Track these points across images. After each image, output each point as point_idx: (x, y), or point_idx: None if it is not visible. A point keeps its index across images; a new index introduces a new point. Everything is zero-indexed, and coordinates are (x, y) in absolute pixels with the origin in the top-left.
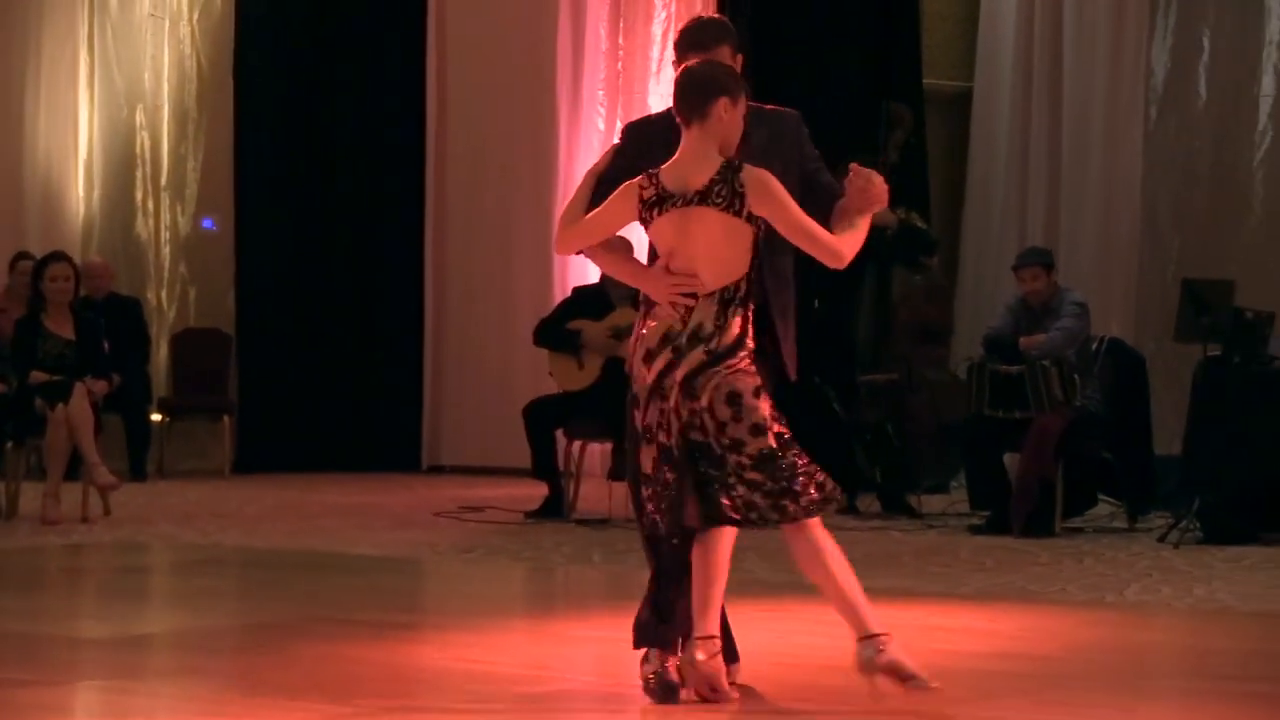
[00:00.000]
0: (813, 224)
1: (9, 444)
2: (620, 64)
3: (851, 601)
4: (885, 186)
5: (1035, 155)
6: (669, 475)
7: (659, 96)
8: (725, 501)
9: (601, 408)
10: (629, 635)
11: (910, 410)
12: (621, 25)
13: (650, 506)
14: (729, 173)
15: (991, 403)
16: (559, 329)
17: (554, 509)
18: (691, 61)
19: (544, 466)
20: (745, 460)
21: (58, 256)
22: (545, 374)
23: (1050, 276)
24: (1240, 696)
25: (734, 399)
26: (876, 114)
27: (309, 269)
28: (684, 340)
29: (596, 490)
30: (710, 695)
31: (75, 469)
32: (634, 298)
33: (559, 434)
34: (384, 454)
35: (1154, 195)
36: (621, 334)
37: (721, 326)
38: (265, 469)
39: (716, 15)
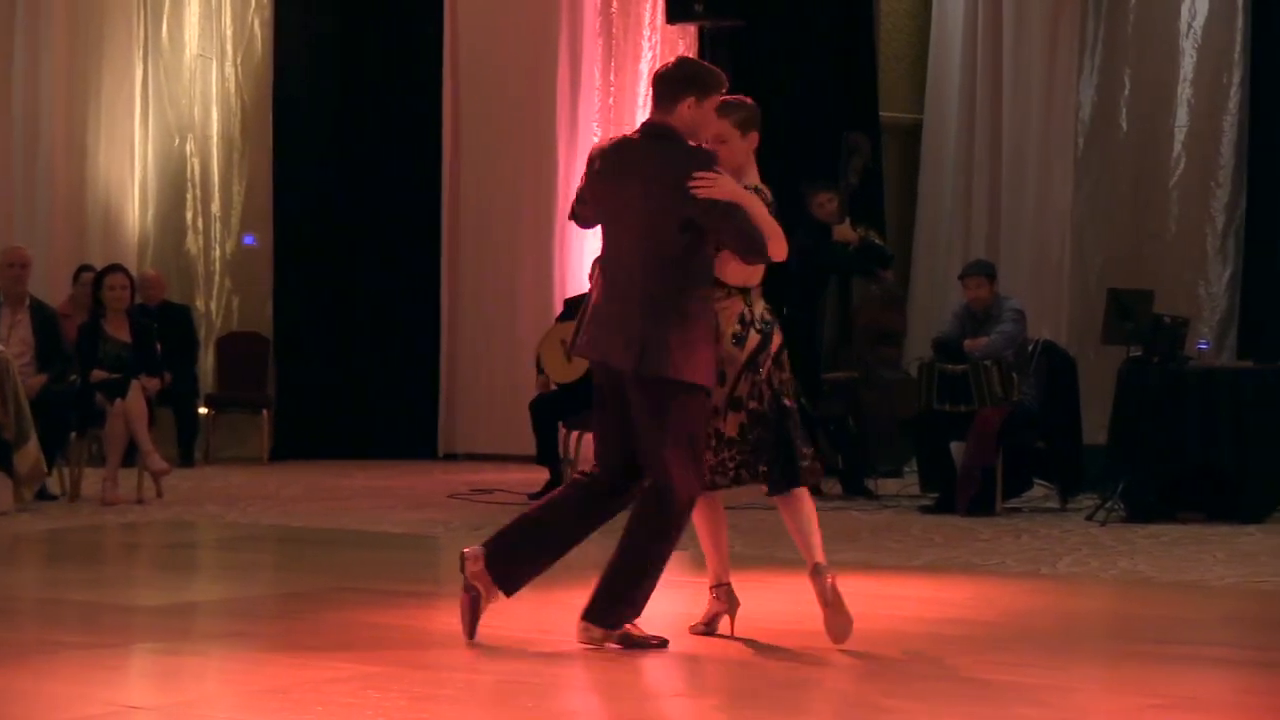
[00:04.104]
0: None
1: (73, 434)
2: (612, 99)
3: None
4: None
5: (978, 180)
6: (761, 434)
7: None
8: (800, 458)
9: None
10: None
11: (868, 404)
12: (613, 64)
13: (733, 464)
14: (764, 185)
15: (939, 398)
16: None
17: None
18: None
19: (546, 454)
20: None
21: (116, 268)
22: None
23: (992, 286)
24: (1160, 658)
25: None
26: (838, 143)
27: (338, 280)
28: (760, 322)
29: None
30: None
31: (131, 456)
32: None
33: (560, 426)
34: (404, 443)
35: (1082, 215)
36: None
37: (770, 313)
38: (299, 456)
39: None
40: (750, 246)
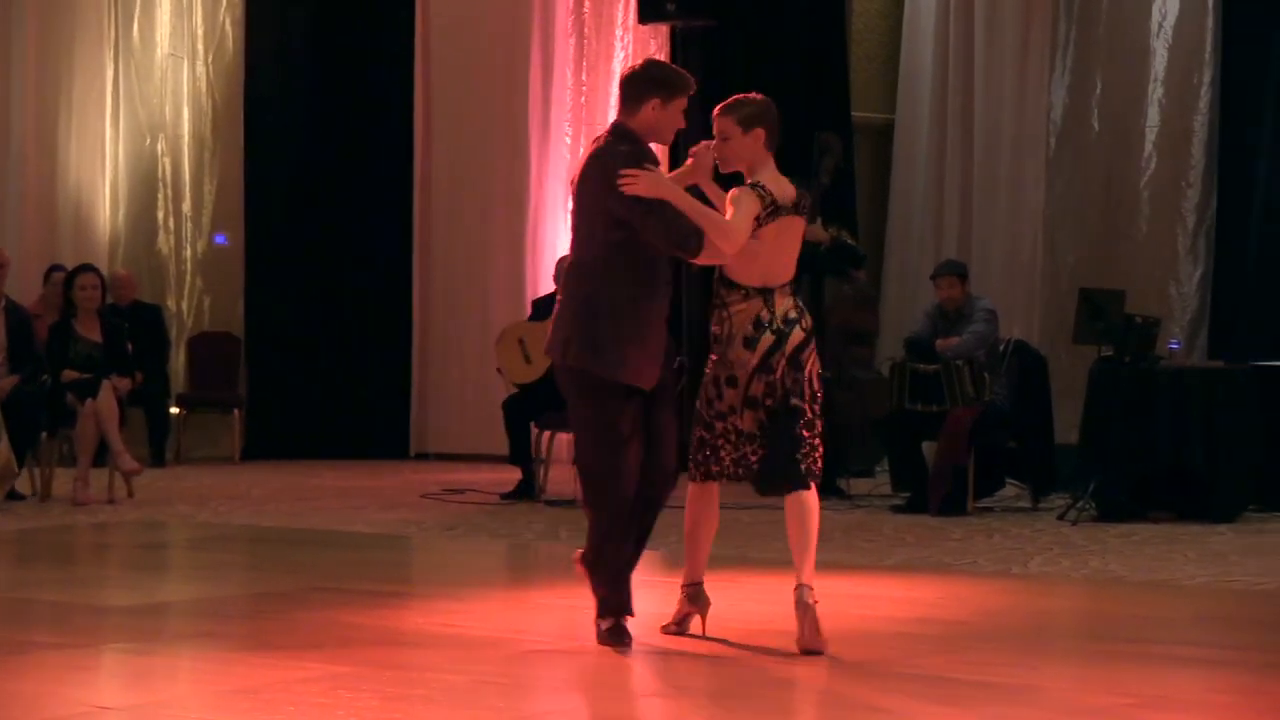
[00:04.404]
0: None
1: (44, 434)
2: (584, 98)
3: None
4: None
5: (950, 180)
6: (779, 427)
7: None
8: (802, 459)
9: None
10: (593, 604)
11: (840, 404)
12: (585, 64)
13: (754, 458)
14: (800, 186)
15: (911, 398)
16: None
17: (527, 491)
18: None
19: (519, 454)
20: (820, 425)
21: (87, 268)
22: None
23: (964, 285)
24: (1131, 657)
25: (820, 376)
26: (810, 143)
27: (310, 280)
28: (779, 324)
29: (564, 474)
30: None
31: (102, 456)
32: None
33: (532, 425)
34: (376, 442)
35: (1054, 215)
36: None
37: (802, 311)
38: (270, 456)
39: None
40: (676, 243)
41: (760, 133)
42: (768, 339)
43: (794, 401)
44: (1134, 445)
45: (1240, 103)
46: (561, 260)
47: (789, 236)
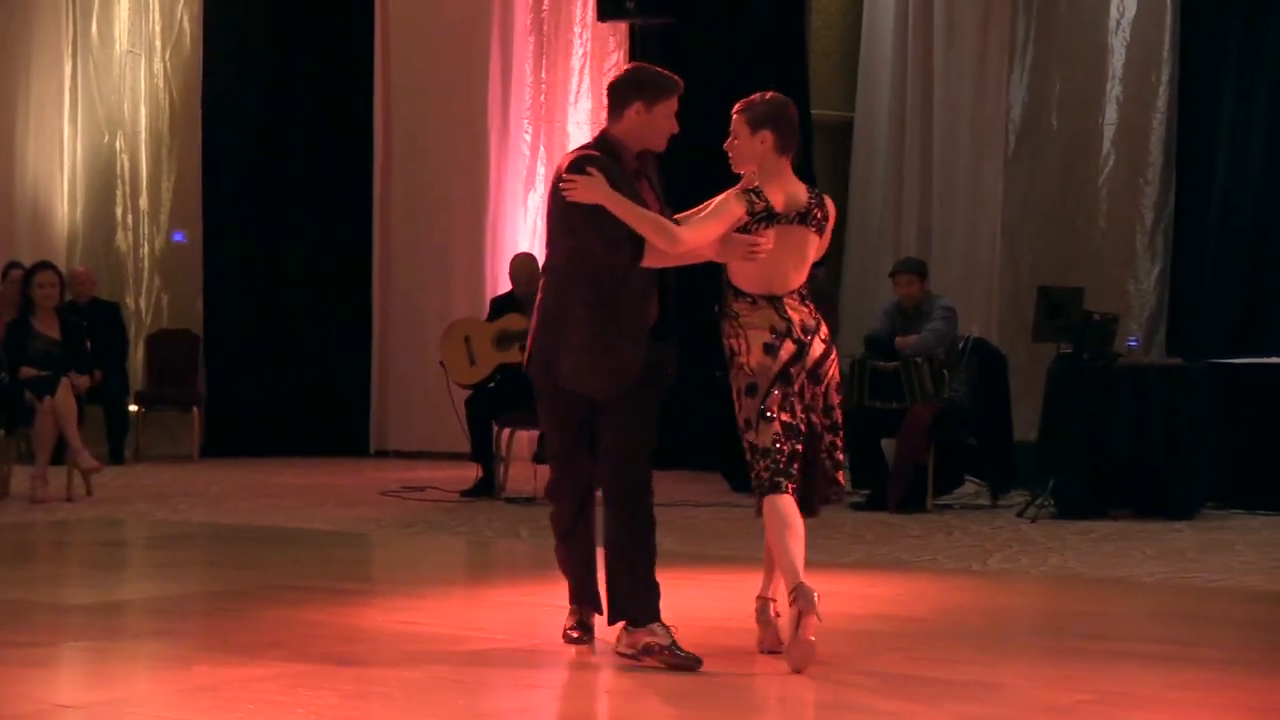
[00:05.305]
0: None
1: (2, 432)
2: (543, 95)
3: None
4: None
5: (909, 177)
6: (796, 446)
7: (575, 124)
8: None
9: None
10: (553, 600)
11: None
12: (544, 62)
13: (767, 474)
14: (817, 198)
15: (871, 394)
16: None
17: (487, 489)
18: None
19: (480, 451)
20: (838, 442)
21: (45, 265)
22: None
23: (923, 283)
24: (1090, 653)
25: (840, 388)
26: None
27: (269, 277)
28: (797, 333)
29: (523, 472)
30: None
31: (61, 454)
32: (531, 305)
33: (493, 423)
34: (335, 440)
35: (1013, 212)
36: (507, 339)
37: (819, 320)
38: (230, 454)
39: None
40: (608, 248)
41: (768, 135)
42: (789, 347)
43: (814, 418)
44: (1093, 442)
45: (1198, 100)
46: (516, 258)
47: (790, 246)
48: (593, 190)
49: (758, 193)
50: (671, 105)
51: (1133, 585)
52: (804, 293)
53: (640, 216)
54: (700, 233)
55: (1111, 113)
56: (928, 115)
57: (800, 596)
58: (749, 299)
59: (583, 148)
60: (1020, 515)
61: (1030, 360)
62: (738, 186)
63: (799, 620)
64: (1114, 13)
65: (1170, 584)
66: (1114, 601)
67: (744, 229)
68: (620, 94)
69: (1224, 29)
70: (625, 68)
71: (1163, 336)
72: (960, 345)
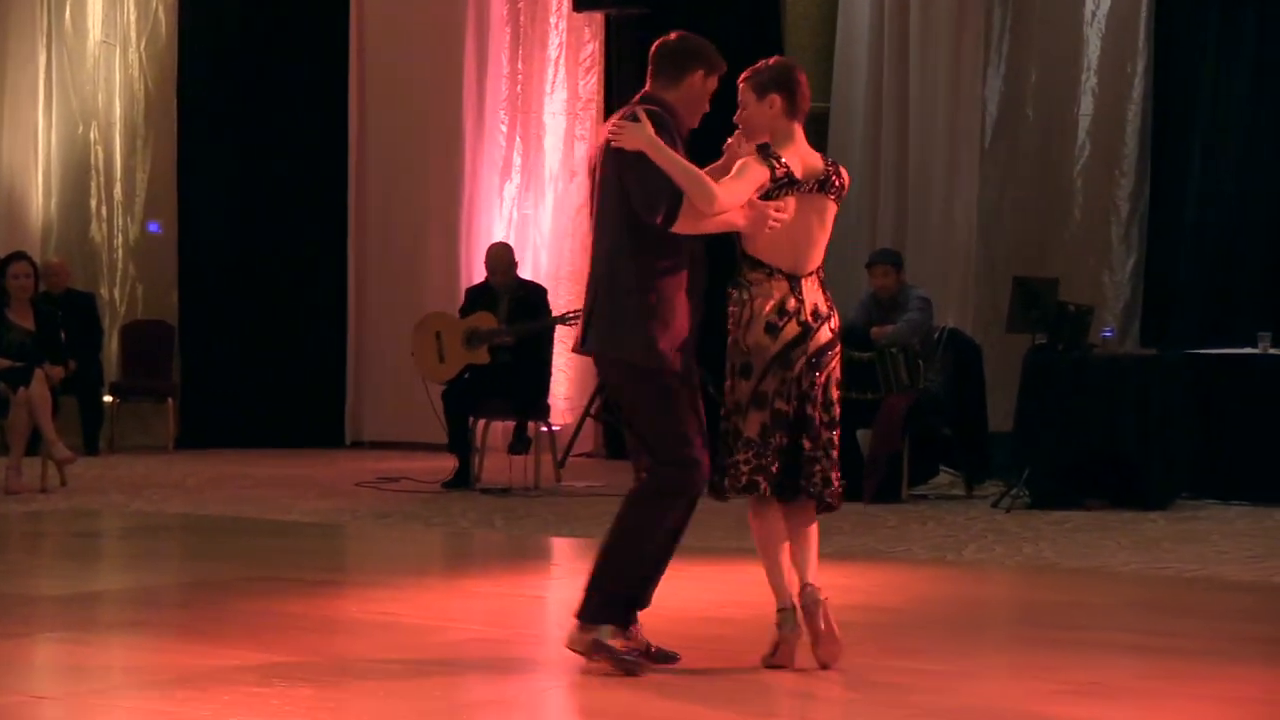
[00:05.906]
0: None
1: None
2: (519, 85)
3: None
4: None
5: (885, 168)
6: (783, 439)
7: (551, 114)
8: (806, 478)
9: (511, 391)
10: (527, 592)
11: None
12: (520, 52)
13: (746, 468)
14: (834, 166)
15: (845, 385)
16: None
17: (462, 480)
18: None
19: (457, 442)
20: (834, 438)
21: (19, 256)
22: None
23: (898, 274)
24: (1064, 643)
25: (840, 384)
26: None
27: (243, 268)
28: (807, 317)
29: (498, 463)
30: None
31: (35, 445)
32: (512, 296)
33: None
34: (311, 430)
35: (988, 203)
36: (476, 338)
37: (832, 308)
38: (204, 445)
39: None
40: (645, 204)
41: (776, 99)
42: (793, 328)
43: (809, 410)
44: (1067, 433)
45: (1173, 92)
46: (492, 248)
47: (813, 217)
48: (637, 136)
49: (778, 157)
50: (715, 83)
51: (1107, 575)
52: (823, 277)
53: (682, 170)
54: (734, 194)
55: (1087, 104)
56: (904, 107)
57: (797, 613)
58: (766, 269)
59: (635, 104)
60: (995, 505)
61: (1005, 351)
62: (751, 150)
63: (815, 619)
64: (1089, 4)
65: (1145, 574)
66: (1088, 591)
67: (766, 195)
68: (680, 59)
69: (1199, 21)
70: (673, 34)
71: (1137, 327)
72: (936, 336)
